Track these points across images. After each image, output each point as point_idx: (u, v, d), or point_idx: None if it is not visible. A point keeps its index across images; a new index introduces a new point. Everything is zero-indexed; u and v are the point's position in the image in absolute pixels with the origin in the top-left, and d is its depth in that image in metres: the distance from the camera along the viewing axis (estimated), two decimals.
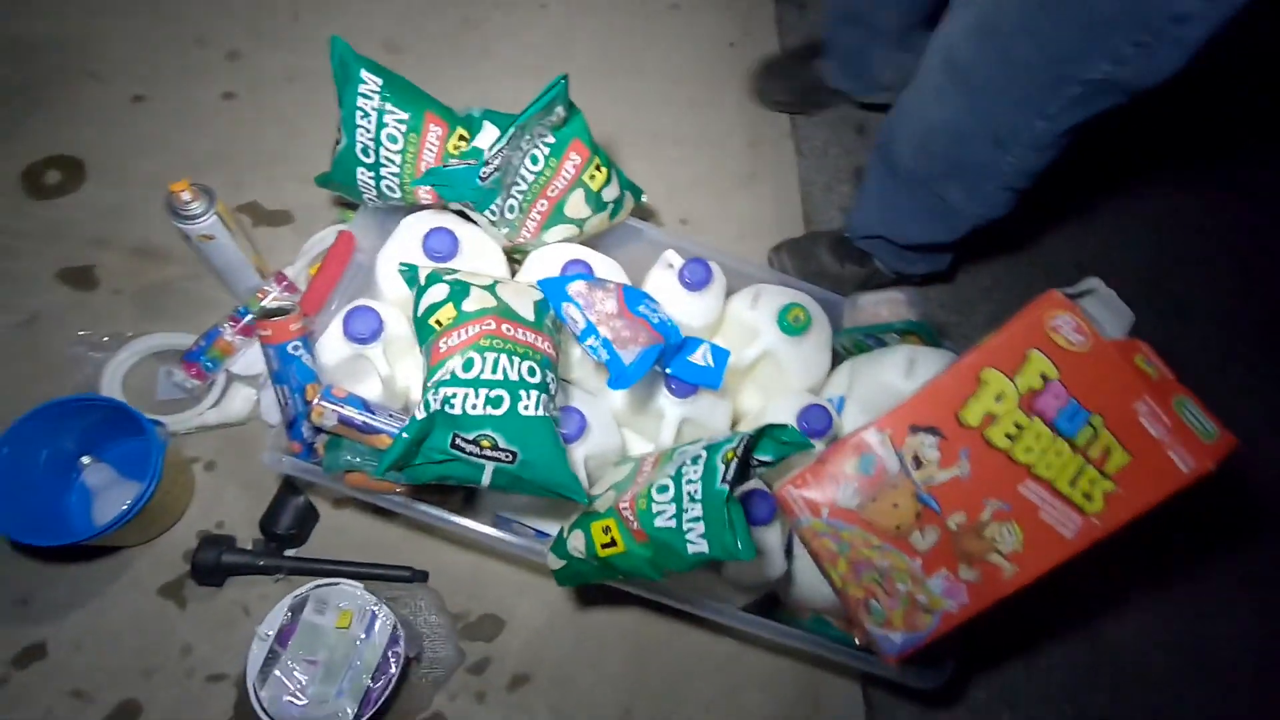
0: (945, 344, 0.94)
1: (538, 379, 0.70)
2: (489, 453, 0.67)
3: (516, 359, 0.69)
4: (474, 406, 0.67)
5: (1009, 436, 0.72)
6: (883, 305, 0.94)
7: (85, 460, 0.92)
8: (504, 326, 0.71)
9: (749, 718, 0.95)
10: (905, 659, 0.75)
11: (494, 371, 0.68)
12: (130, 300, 1.05)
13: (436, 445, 0.67)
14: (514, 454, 0.67)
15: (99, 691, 0.86)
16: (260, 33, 1.28)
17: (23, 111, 1.15)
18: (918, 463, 0.74)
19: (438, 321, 0.72)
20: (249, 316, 0.98)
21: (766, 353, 0.92)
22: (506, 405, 0.67)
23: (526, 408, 0.68)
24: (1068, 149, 0.87)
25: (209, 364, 0.97)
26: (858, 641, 0.86)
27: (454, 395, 0.67)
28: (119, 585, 0.91)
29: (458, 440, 0.66)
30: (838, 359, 1.00)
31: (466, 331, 0.69)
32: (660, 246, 0.98)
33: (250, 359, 1.00)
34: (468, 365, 0.68)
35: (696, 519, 0.63)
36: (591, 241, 0.97)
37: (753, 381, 0.96)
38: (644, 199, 1.00)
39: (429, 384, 0.69)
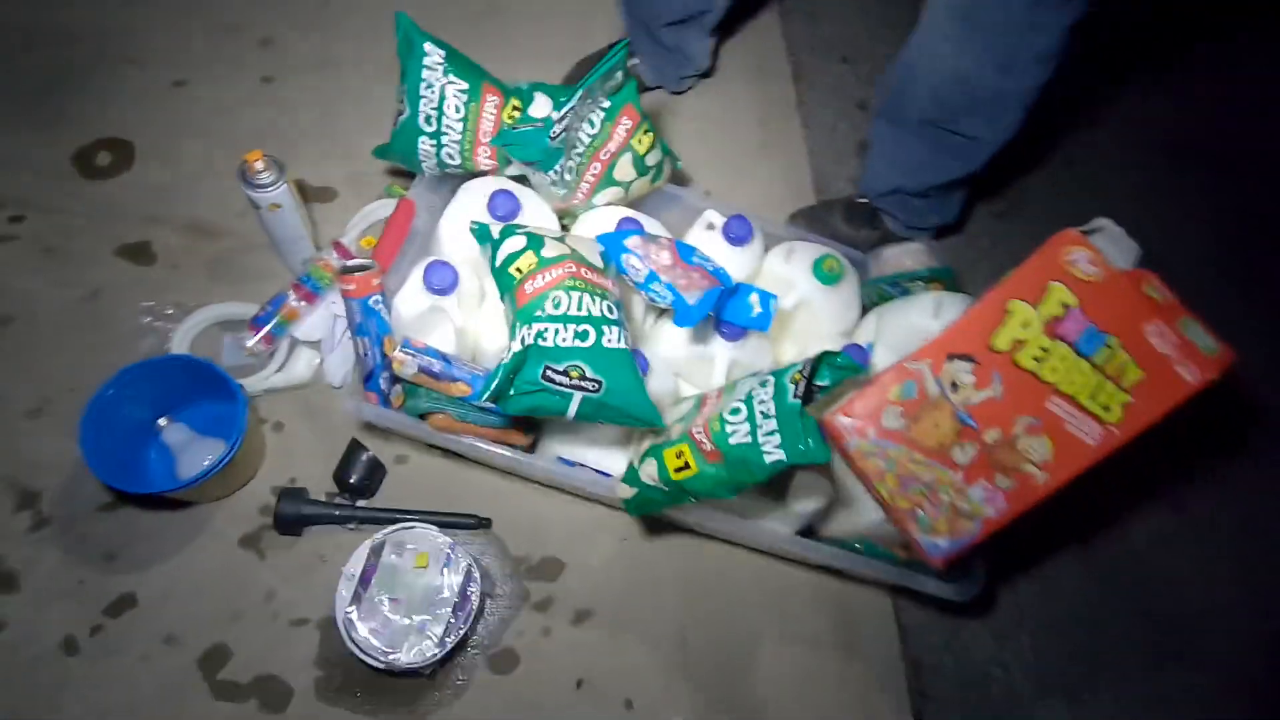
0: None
1: (616, 315, 0.77)
2: (577, 382, 0.73)
3: (598, 298, 0.76)
4: (564, 340, 0.73)
5: (1036, 359, 0.80)
6: (906, 255, 1.02)
7: (162, 422, 0.96)
8: (583, 270, 0.77)
9: (793, 635, 1.03)
10: (951, 561, 0.83)
11: (579, 309, 0.74)
12: (187, 273, 1.09)
13: (528, 377, 0.73)
14: (600, 383, 0.74)
15: (189, 636, 0.90)
16: (290, 20, 1.33)
17: (69, 97, 1.18)
18: (955, 386, 0.82)
19: (518, 269, 0.78)
20: (311, 283, 1.02)
21: (803, 301, 1.00)
22: (593, 338, 0.74)
23: (610, 340, 0.75)
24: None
25: (276, 329, 1.01)
26: (900, 555, 0.94)
27: (545, 330, 0.73)
28: (201, 538, 0.95)
29: (548, 371, 0.73)
30: (863, 311, 1.08)
31: (550, 274, 0.76)
32: (693, 210, 1.06)
33: (312, 324, 1.05)
34: (557, 303, 0.74)
35: (772, 432, 0.71)
36: (634, 205, 1.04)
37: (788, 331, 1.04)
38: (680, 165, 1.07)
39: (519, 323, 0.75)
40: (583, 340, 0.74)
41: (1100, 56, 1.69)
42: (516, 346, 0.73)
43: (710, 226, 1.01)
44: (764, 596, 1.04)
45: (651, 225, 1.00)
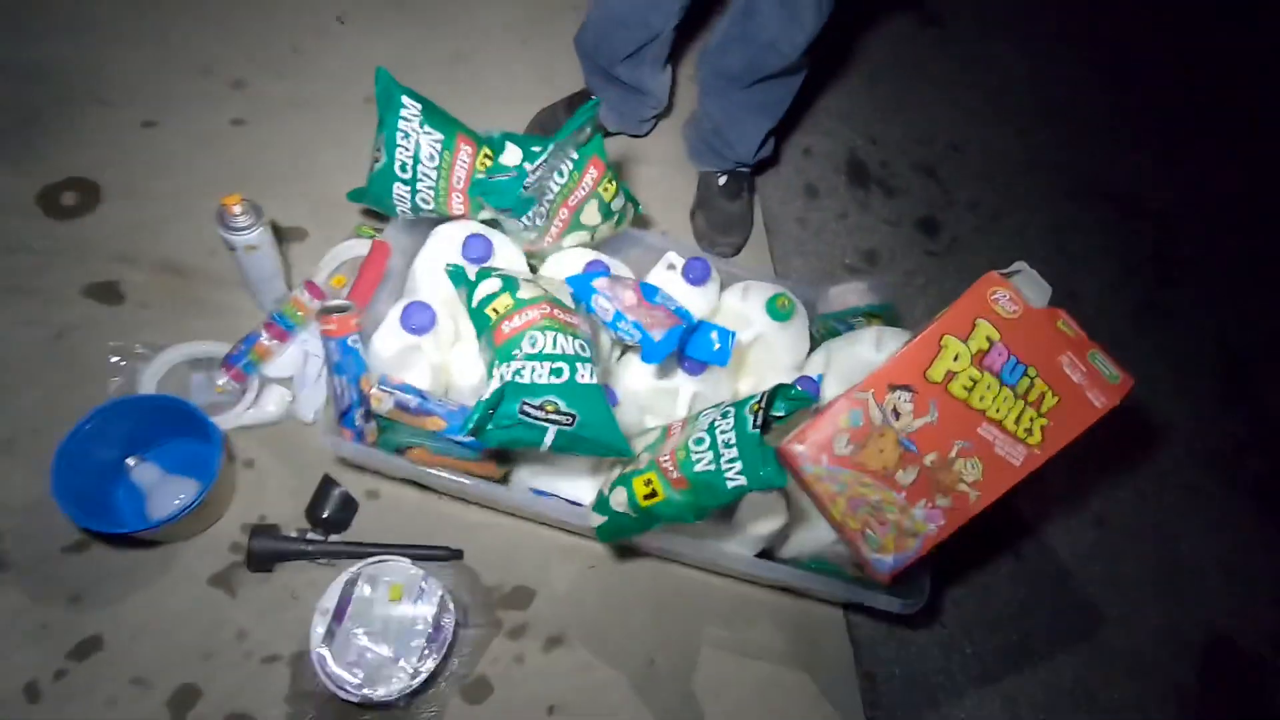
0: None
1: (588, 353, 0.83)
2: (552, 416, 0.78)
3: (570, 337, 0.82)
4: (539, 376, 0.78)
5: (966, 388, 0.89)
6: (850, 293, 1.11)
7: (131, 461, 0.97)
8: (556, 310, 0.83)
9: (755, 653, 1.08)
10: (897, 576, 0.90)
11: (554, 347, 0.80)
12: (156, 312, 1.10)
13: (506, 412, 0.78)
14: (574, 416, 0.79)
15: (158, 677, 0.90)
16: (262, 63, 1.36)
17: (36, 136, 1.19)
18: (896, 414, 0.90)
19: (495, 310, 0.83)
20: (284, 321, 1.05)
21: (758, 337, 1.07)
22: (567, 375, 0.79)
23: (583, 377, 0.80)
24: None
25: (248, 367, 1.03)
26: (852, 573, 1.01)
27: (522, 368, 0.78)
28: (171, 578, 0.95)
29: (525, 406, 0.78)
30: (814, 343, 1.16)
31: (526, 315, 0.81)
32: (654, 251, 1.13)
33: (283, 362, 1.07)
34: (533, 342, 0.79)
35: (733, 460, 0.77)
36: (598, 247, 1.11)
37: (745, 364, 1.11)
38: (640, 209, 1.14)
39: (497, 361, 0.80)
40: (557, 376, 0.79)
41: (1016, 120, 1.87)
42: (495, 383, 0.77)
43: (671, 266, 1.08)
44: (726, 617, 1.10)
45: (616, 266, 1.07)
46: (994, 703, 1.21)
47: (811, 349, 1.15)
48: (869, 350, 1.04)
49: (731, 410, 0.81)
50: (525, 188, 0.90)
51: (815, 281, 1.49)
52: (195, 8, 1.38)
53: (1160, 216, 1.85)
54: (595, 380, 0.82)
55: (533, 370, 0.78)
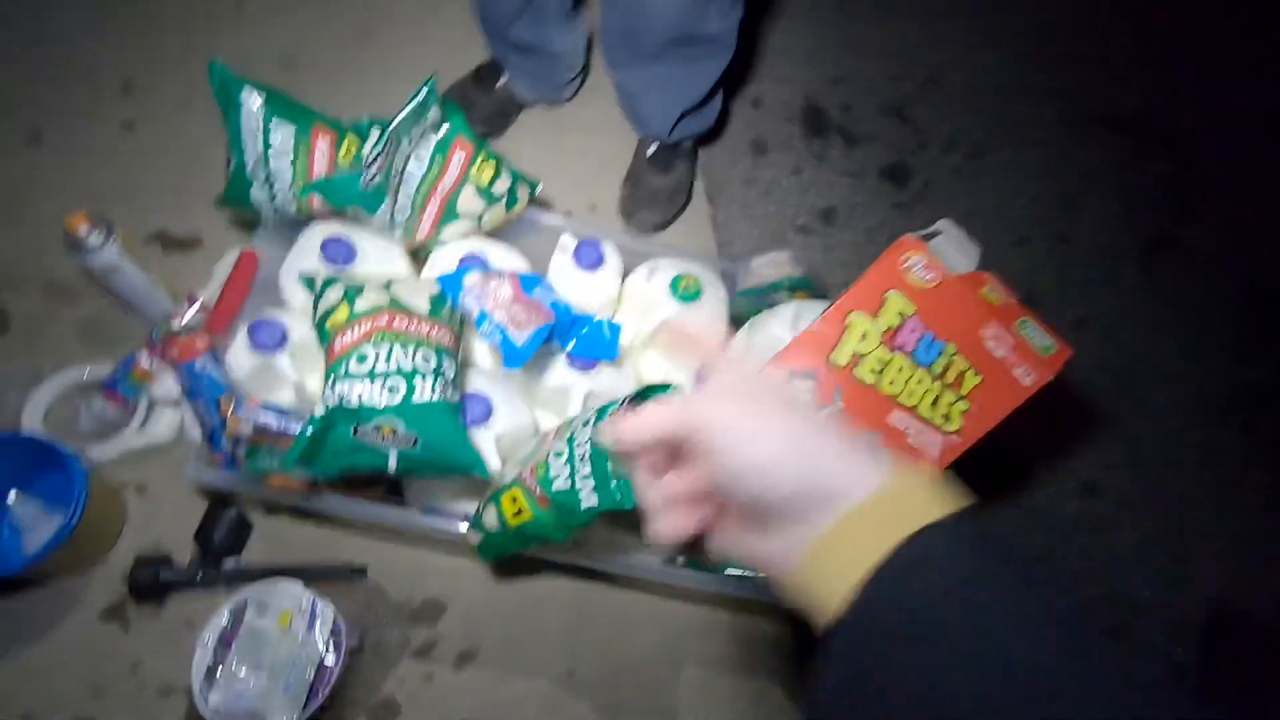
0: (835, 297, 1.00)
1: (432, 365, 0.75)
2: (390, 439, 0.71)
3: (411, 348, 0.74)
4: (371, 397, 0.71)
5: (875, 372, 0.78)
6: (771, 265, 1.00)
7: (12, 497, 0.94)
8: (396, 320, 0.75)
9: (689, 662, 1.01)
10: None
11: (388, 362, 0.72)
12: (46, 338, 1.07)
13: (340, 437, 0.71)
14: (414, 438, 0.72)
15: (50, 714, 0.89)
16: (153, 59, 1.29)
17: None
18: None
19: (334, 324, 0.76)
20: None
21: (665, 321, 0.97)
22: (403, 393, 0.72)
23: (422, 394, 0.73)
24: None
25: (128, 391, 0.99)
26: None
27: (350, 389, 0.71)
28: (61, 614, 0.93)
29: (359, 430, 0.71)
30: (740, 323, 1.05)
31: (360, 328, 0.73)
32: (560, 233, 1.03)
33: (172, 383, 1.02)
34: (361, 359, 0.72)
35: (587, 476, 0.68)
36: (496, 235, 1.01)
37: (658, 351, 1.02)
38: (539, 189, 1.04)
39: (327, 382, 0.73)
40: (393, 395, 0.71)
41: (1005, 43, 1.67)
42: (319, 410, 0.70)
43: (565, 250, 0.98)
44: (651, 625, 1.03)
45: (508, 256, 0.98)
46: None
47: (739, 330, 1.05)
48: (783, 329, 0.93)
49: (593, 418, 0.73)
50: (367, 181, 0.82)
51: (763, 250, 1.37)
52: (80, 8, 1.31)
53: (1176, 140, 1.64)
54: (439, 396, 0.74)
55: (363, 391, 0.71)
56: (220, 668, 0.86)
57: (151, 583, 0.92)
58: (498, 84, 1.27)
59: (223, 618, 0.88)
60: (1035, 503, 1.26)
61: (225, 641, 0.87)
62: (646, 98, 1.18)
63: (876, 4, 1.67)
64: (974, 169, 1.55)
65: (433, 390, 0.73)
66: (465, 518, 0.92)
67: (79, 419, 1.01)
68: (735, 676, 1.02)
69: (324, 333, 0.77)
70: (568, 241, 0.98)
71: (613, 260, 0.98)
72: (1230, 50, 1.76)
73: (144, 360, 0.99)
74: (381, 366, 0.72)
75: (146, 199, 1.17)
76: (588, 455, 0.69)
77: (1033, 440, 1.21)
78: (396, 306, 0.77)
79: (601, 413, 0.72)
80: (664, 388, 0.74)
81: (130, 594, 0.92)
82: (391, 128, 0.80)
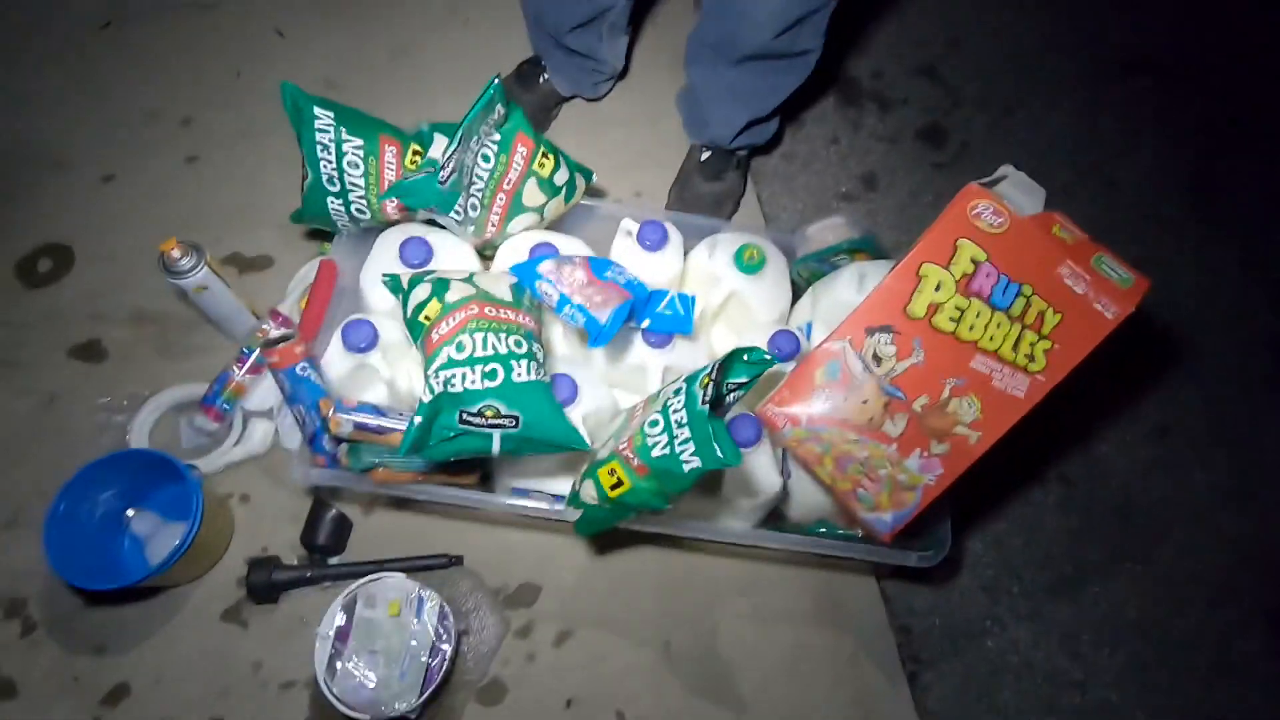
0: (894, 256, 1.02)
1: (525, 349, 0.78)
2: (494, 421, 0.74)
3: (503, 335, 0.77)
4: (473, 382, 0.74)
5: (953, 320, 0.80)
6: (828, 230, 1.02)
7: (130, 512, 0.99)
8: (486, 309, 0.78)
9: (774, 619, 1.03)
10: (899, 534, 0.83)
11: (485, 348, 0.75)
12: (140, 363, 1.12)
13: (446, 424, 0.74)
14: (516, 418, 0.75)
15: (184, 715, 0.94)
16: (206, 96, 1.35)
17: (3, 210, 1.22)
18: (877, 360, 0.81)
19: (426, 317, 0.79)
20: (254, 355, 1.04)
21: (731, 294, 0.99)
22: (502, 376, 0.75)
23: (520, 375, 0.76)
24: None
25: (225, 405, 1.04)
26: (860, 534, 0.94)
27: (454, 376, 0.74)
28: (184, 620, 0.98)
29: (464, 415, 0.74)
30: (800, 290, 1.07)
31: (454, 319, 0.77)
32: (612, 219, 1.06)
33: (262, 395, 1.07)
34: (460, 347, 0.75)
35: (686, 440, 0.71)
36: (554, 225, 1.05)
37: (724, 324, 1.04)
38: (594, 179, 1.07)
39: (429, 372, 0.76)
40: (491, 380, 0.75)
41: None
42: (427, 397, 0.74)
43: (628, 233, 1.01)
44: (739, 588, 1.05)
45: (569, 244, 1.01)
46: (1050, 642, 1.12)
47: (799, 296, 1.06)
48: (849, 291, 0.95)
49: (683, 386, 0.75)
50: (441, 183, 0.85)
51: (809, 220, 1.38)
52: (134, 55, 1.37)
53: (1207, 78, 1.62)
54: (535, 377, 0.77)
55: (465, 377, 0.74)
56: (339, 660, 0.90)
57: (267, 583, 0.97)
58: (540, 80, 1.31)
59: (337, 612, 0.93)
60: (1107, 451, 1.26)
61: (341, 635, 0.92)
62: (717, 103, 1.19)
63: None
64: (1009, 124, 1.55)
65: (528, 371, 0.77)
66: (555, 497, 0.95)
67: (180, 436, 1.06)
68: (826, 627, 1.04)
69: (418, 327, 0.80)
70: (630, 224, 1.01)
71: (675, 239, 1.00)
72: None
73: (237, 375, 1.04)
74: (479, 352, 0.75)
75: (216, 225, 1.23)
76: (685, 420, 0.72)
77: (1100, 387, 1.20)
78: (484, 297, 0.80)
79: (692, 380, 0.75)
80: (750, 350, 0.77)
81: (248, 595, 0.97)
82: (463, 127, 0.84)
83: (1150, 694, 1.11)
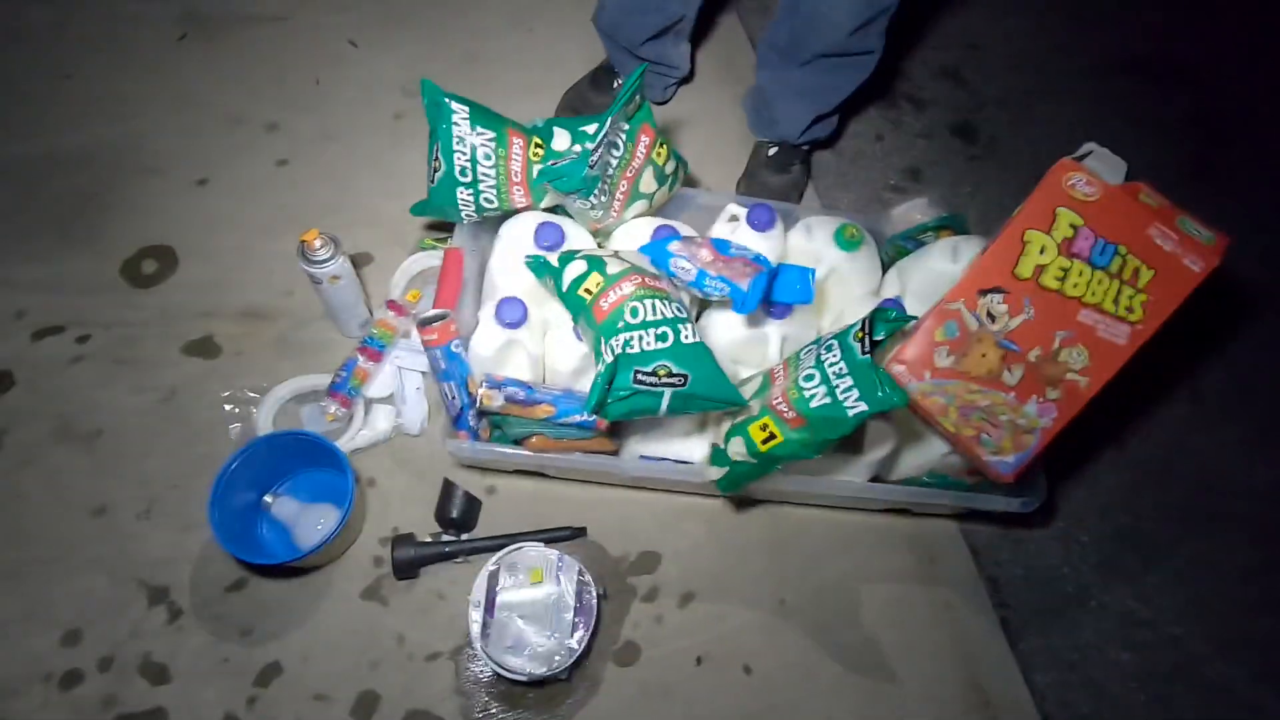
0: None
1: (686, 314, 0.85)
2: (665, 380, 0.81)
3: (667, 301, 0.84)
4: (648, 344, 0.80)
5: (1058, 279, 0.89)
6: (915, 210, 1.11)
7: (268, 499, 1.02)
8: (647, 279, 0.85)
9: (877, 574, 1.11)
10: (1020, 474, 0.91)
11: (654, 314, 0.82)
12: (252, 357, 1.15)
13: (622, 384, 0.80)
14: (686, 376, 0.81)
15: (337, 690, 0.96)
16: (289, 102, 1.39)
17: (99, 216, 1.24)
18: (991, 318, 0.90)
19: (588, 290, 0.85)
20: (376, 343, 1.08)
21: (832, 270, 1.08)
22: (672, 338, 0.82)
23: (688, 336, 0.82)
24: None
25: (352, 392, 1.07)
26: (968, 480, 1.02)
27: (630, 338, 0.80)
28: (327, 599, 1.01)
29: (639, 375, 0.80)
30: (885, 267, 1.16)
31: (621, 289, 0.83)
32: (705, 208, 1.14)
33: (381, 382, 1.11)
34: (635, 312, 0.82)
35: (849, 388, 0.78)
36: (656, 213, 1.12)
37: (823, 299, 1.12)
38: (689, 168, 1.15)
39: (603, 337, 0.82)
40: (663, 341, 0.81)
41: (1032, 3, 1.81)
42: (608, 358, 0.80)
43: (734, 219, 1.09)
44: (843, 546, 1.12)
45: (680, 228, 1.08)
46: (1119, 585, 1.22)
47: (884, 273, 1.15)
48: (943, 262, 1.04)
49: (835, 342, 0.83)
50: (590, 166, 0.92)
51: (863, 209, 1.49)
52: (213, 66, 1.41)
53: (1196, 75, 1.78)
54: (698, 339, 0.84)
55: (639, 339, 0.81)
56: (489, 627, 0.94)
57: (410, 559, 1.00)
58: (613, 85, 1.38)
59: (483, 580, 0.97)
60: (1149, 410, 1.37)
61: (489, 604, 0.96)
62: (785, 101, 1.28)
63: None
64: (1028, 120, 1.68)
65: (693, 334, 0.83)
66: (680, 461, 1.01)
67: (304, 424, 1.09)
68: (923, 579, 1.11)
69: (577, 300, 0.86)
70: (735, 209, 1.08)
71: (779, 221, 1.08)
72: None
73: (362, 362, 1.08)
74: (651, 316, 0.81)
75: (312, 224, 1.25)
76: (845, 370, 0.79)
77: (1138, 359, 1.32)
78: (640, 270, 0.86)
79: (844, 335, 0.83)
80: (888, 310, 0.85)
81: (393, 571, 1.01)
82: (610, 116, 0.91)
83: (1208, 626, 1.21)
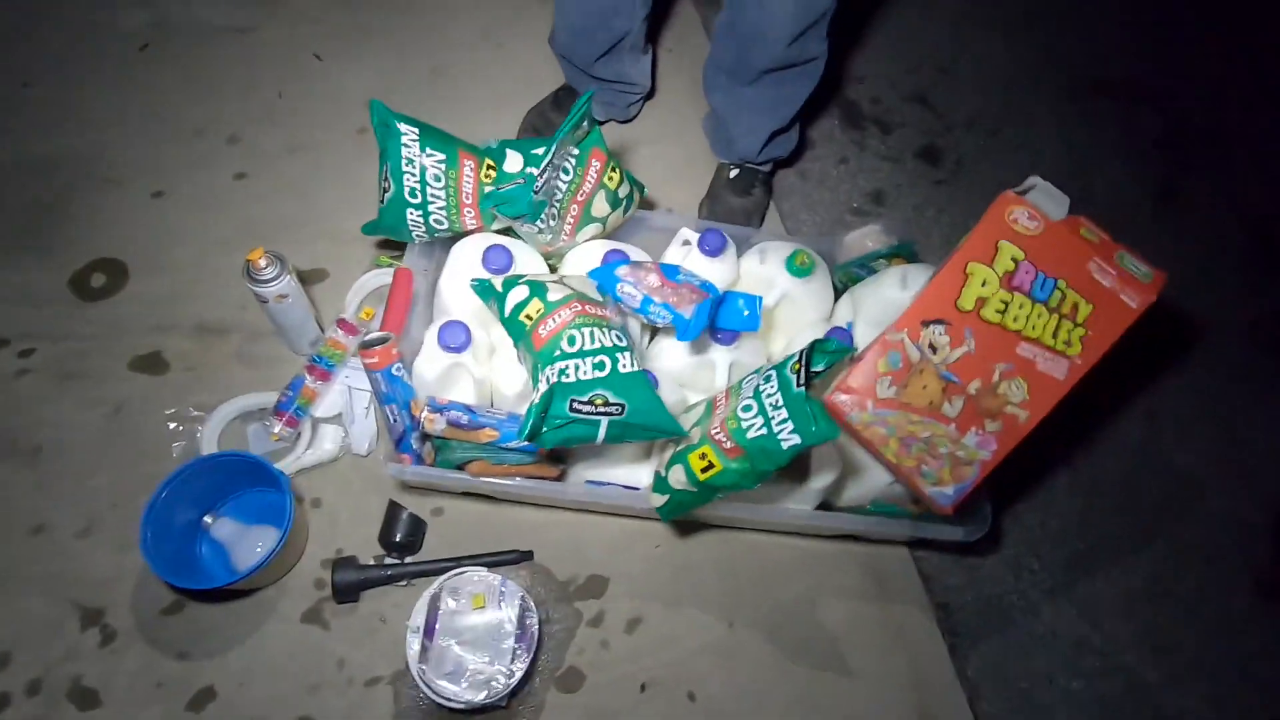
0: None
1: (625, 342, 0.84)
2: (602, 409, 0.80)
3: (606, 329, 0.83)
4: (584, 373, 0.80)
5: (999, 311, 0.90)
6: (868, 237, 1.12)
7: (208, 519, 1.01)
8: (587, 306, 0.85)
9: (830, 601, 1.11)
10: (959, 506, 0.91)
11: (592, 342, 0.82)
12: (202, 374, 1.14)
13: (557, 412, 0.80)
14: (623, 405, 0.81)
15: (274, 714, 0.95)
16: (252, 115, 1.38)
17: (56, 225, 1.23)
18: (933, 349, 0.91)
19: (528, 316, 0.85)
20: (324, 362, 1.08)
21: (784, 296, 1.08)
22: (609, 367, 0.81)
23: (625, 366, 0.82)
24: None
25: (298, 411, 1.06)
26: (912, 510, 1.02)
27: (566, 367, 0.80)
28: (266, 622, 0.99)
29: (574, 404, 0.80)
30: (837, 294, 1.17)
31: (560, 316, 0.83)
32: (662, 230, 1.14)
33: (329, 402, 1.10)
34: (571, 340, 0.81)
35: (784, 421, 0.78)
36: (611, 236, 1.12)
37: (775, 325, 1.12)
38: (645, 191, 1.15)
39: (540, 364, 0.82)
40: (601, 370, 0.81)
41: (1001, 28, 1.83)
42: (543, 387, 0.80)
43: (686, 243, 1.09)
44: (794, 571, 1.12)
45: (632, 252, 1.08)
46: (1070, 612, 1.22)
47: (836, 299, 1.16)
48: (894, 290, 1.04)
49: (773, 373, 0.83)
50: (536, 192, 0.92)
51: (826, 232, 1.49)
52: (176, 77, 1.40)
53: (1164, 99, 1.80)
54: (636, 367, 0.84)
55: (576, 368, 0.80)
56: (428, 652, 0.93)
57: (351, 582, 0.99)
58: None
59: (423, 604, 0.96)
60: (1105, 434, 1.38)
61: (429, 629, 0.95)
62: (740, 121, 1.29)
63: (870, 12, 1.82)
64: (995, 144, 1.69)
65: (631, 363, 0.83)
66: (627, 487, 1.01)
67: (249, 443, 1.08)
68: (873, 605, 1.11)
69: (518, 325, 0.86)
70: (688, 234, 1.09)
71: (731, 246, 1.08)
72: (1198, 6, 1.94)
73: (309, 381, 1.07)
74: (588, 345, 0.81)
75: (268, 239, 1.23)
76: (781, 403, 0.79)
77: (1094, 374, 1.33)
78: (582, 297, 0.86)
79: (781, 367, 0.83)
80: (828, 341, 0.85)
81: (333, 594, 0.99)
82: (556, 142, 0.91)
83: (1160, 655, 1.22)
